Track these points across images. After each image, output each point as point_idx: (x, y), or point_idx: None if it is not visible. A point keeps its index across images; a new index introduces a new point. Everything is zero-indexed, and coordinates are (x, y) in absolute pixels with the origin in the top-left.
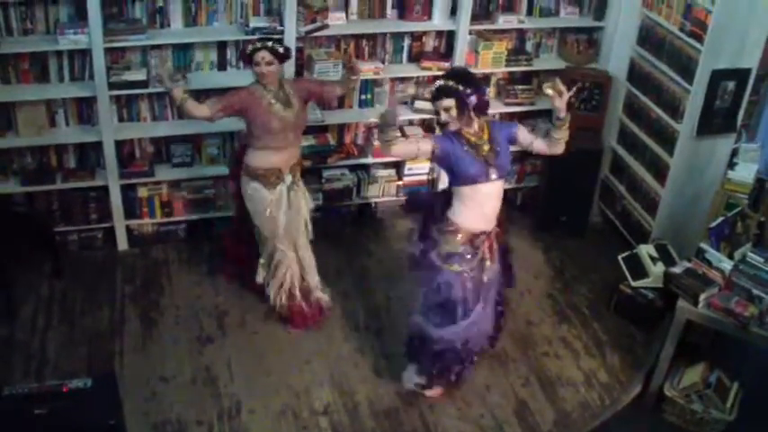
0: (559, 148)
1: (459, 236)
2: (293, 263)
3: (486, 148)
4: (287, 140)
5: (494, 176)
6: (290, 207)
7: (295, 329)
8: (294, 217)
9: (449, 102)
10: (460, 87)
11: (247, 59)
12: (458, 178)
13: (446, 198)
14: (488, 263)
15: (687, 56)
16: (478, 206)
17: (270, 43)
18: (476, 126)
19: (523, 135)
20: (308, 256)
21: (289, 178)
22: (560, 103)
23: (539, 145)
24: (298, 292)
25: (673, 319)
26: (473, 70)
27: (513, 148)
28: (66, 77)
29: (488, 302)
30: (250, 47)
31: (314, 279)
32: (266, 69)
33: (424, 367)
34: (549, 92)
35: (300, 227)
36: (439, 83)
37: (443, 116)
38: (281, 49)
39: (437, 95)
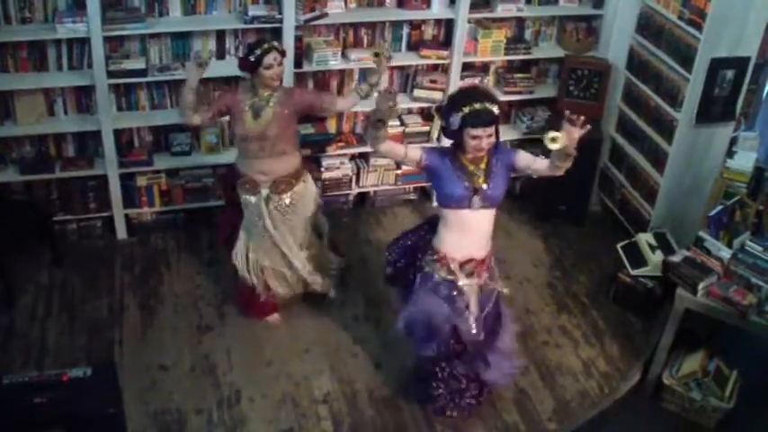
0: (559, 172)
1: (443, 266)
2: (262, 257)
3: (480, 180)
4: (249, 151)
5: (477, 206)
6: (269, 219)
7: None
8: (273, 231)
9: (491, 129)
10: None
11: (252, 65)
12: (441, 198)
13: (430, 226)
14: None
15: (686, 44)
16: (459, 231)
17: (275, 43)
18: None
19: (523, 161)
20: (296, 260)
21: (265, 192)
22: (572, 144)
23: (538, 166)
24: (256, 279)
25: (671, 308)
26: (471, 59)
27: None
28: (64, 66)
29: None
30: (257, 50)
31: (304, 273)
32: (279, 70)
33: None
34: (556, 146)
35: (282, 240)
36: (483, 107)
37: (484, 143)
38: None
39: (485, 122)
